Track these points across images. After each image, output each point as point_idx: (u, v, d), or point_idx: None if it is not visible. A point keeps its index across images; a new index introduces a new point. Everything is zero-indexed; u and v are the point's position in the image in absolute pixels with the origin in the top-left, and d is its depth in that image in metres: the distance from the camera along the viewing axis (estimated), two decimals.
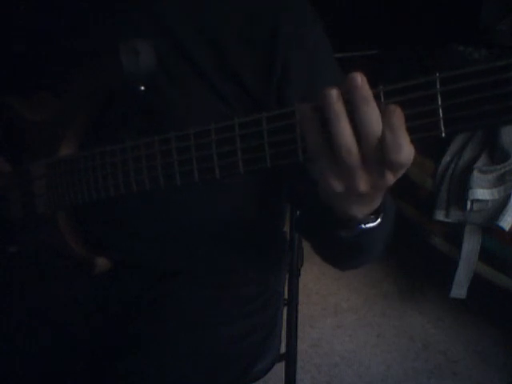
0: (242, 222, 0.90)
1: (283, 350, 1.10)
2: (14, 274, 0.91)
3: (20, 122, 0.86)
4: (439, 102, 0.46)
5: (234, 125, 0.56)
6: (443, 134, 0.46)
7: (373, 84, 0.49)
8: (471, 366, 1.70)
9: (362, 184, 0.51)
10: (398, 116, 0.47)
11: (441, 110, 0.46)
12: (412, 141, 0.48)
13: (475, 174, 1.51)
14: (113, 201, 0.72)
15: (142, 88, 0.70)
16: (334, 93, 0.49)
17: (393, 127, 0.47)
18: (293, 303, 1.15)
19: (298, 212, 1.09)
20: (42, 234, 0.84)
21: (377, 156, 0.49)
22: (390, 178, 0.51)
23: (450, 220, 1.59)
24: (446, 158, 1.65)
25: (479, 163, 1.54)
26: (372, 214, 0.59)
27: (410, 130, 0.48)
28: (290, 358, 1.14)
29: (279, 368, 1.11)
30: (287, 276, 1.12)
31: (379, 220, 0.61)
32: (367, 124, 0.48)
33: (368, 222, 0.60)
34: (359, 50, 2.40)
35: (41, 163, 0.80)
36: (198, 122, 0.60)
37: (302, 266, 1.15)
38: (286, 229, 1.10)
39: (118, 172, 0.68)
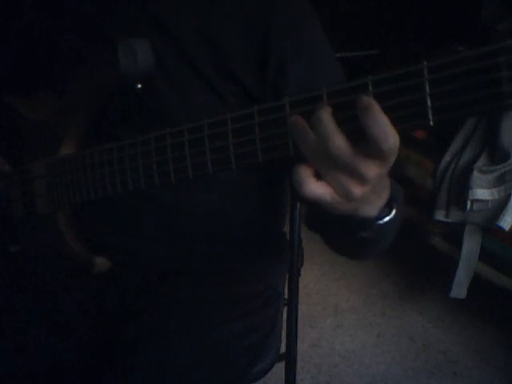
0: (242, 221, 0.90)
1: (283, 349, 1.10)
2: (14, 273, 0.91)
3: (20, 121, 0.86)
4: (427, 91, 0.45)
5: (226, 119, 0.56)
6: (431, 123, 0.45)
7: (361, 77, 0.48)
8: (471, 365, 1.70)
9: (355, 189, 0.50)
10: (375, 106, 0.46)
11: (429, 99, 0.45)
12: (400, 130, 0.47)
13: (475, 174, 1.51)
14: (112, 200, 0.72)
15: (139, 86, 0.70)
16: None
17: (375, 119, 0.46)
18: (293, 303, 1.14)
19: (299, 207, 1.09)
20: (43, 233, 0.84)
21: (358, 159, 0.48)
22: (378, 170, 0.49)
23: (449, 220, 1.59)
24: (446, 158, 1.65)
25: (479, 163, 1.54)
26: (385, 207, 0.59)
27: (398, 120, 0.47)
28: (290, 358, 1.14)
29: (279, 368, 1.11)
30: (287, 276, 1.12)
31: (394, 211, 0.60)
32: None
33: (384, 217, 0.59)
34: (359, 50, 2.40)
35: (41, 163, 0.80)
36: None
37: (302, 265, 1.15)
38: (286, 229, 1.10)
39: (114, 170, 0.68)
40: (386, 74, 0.47)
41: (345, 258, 0.79)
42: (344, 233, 0.65)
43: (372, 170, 0.49)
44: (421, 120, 0.46)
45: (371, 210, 0.57)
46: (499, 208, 1.48)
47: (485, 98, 0.43)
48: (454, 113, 0.45)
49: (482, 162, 1.55)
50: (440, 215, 1.60)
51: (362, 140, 0.48)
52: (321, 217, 0.69)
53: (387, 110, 0.46)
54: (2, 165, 0.88)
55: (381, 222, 0.60)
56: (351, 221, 0.58)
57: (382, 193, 0.56)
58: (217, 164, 0.58)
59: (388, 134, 0.46)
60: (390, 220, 0.60)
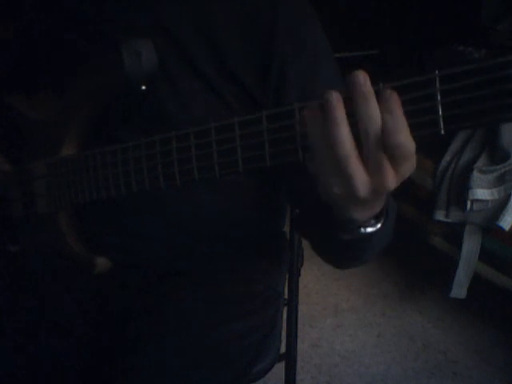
0: (242, 221, 0.90)
1: (283, 349, 1.10)
2: (14, 273, 0.91)
3: (21, 121, 0.86)
4: (439, 100, 0.46)
5: (233, 124, 0.56)
6: (442, 132, 0.46)
7: (373, 84, 0.49)
8: (471, 365, 1.70)
9: (362, 188, 0.50)
10: (394, 99, 0.47)
11: (440, 108, 0.46)
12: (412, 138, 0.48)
13: (475, 173, 1.51)
14: (113, 201, 0.72)
15: (144, 88, 0.70)
16: (334, 97, 0.48)
17: (391, 111, 0.47)
18: (293, 303, 1.15)
19: (296, 211, 1.10)
20: (43, 233, 0.84)
21: (377, 153, 0.48)
22: (392, 178, 0.50)
23: (449, 220, 1.59)
24: (446, 158, 1.65)
25: (479, 163, 1.54)
26: (373, 218, 0.59)
27: (410, 128, 0.47)
28: (290, 358, 1.14)
29: (279, 368, 1.11)
30: (287, 276, 1.12)
31: (379, 225, 0.60)
32: (367, 121, 0.47)
33: (368, 227, 0.60)
34: (359, 50, 2.40)
35: (41, 163, 0.80)
36: (198, 122, 0.60)
37: (302, 265, 1.15)
38: (286, 229, 1.10)
39: (118, 172, 0.68)
40: (398, 82, 0.48)
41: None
42: (326, 233, 0.65)
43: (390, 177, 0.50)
44: (432, 128, 0.47)
45: (357, 215, 0.56)
46: (499, 208, 1.48)
47: (495, 109, 0.44)
48: (464, 122, 0.45)
49: (481, 162, 1.55)
50: (440, 215, 1.60)
51: None
52: (309, 214, 0.70)
53: None
54: (3, 164, 0.88)
55: (364, 230, 0.60)
56: (335, 220, 0.59)
57: (373, 207, 0.56)
58: (224, 168, 0.58)
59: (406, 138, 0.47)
60: (373, 232, 0.60)
